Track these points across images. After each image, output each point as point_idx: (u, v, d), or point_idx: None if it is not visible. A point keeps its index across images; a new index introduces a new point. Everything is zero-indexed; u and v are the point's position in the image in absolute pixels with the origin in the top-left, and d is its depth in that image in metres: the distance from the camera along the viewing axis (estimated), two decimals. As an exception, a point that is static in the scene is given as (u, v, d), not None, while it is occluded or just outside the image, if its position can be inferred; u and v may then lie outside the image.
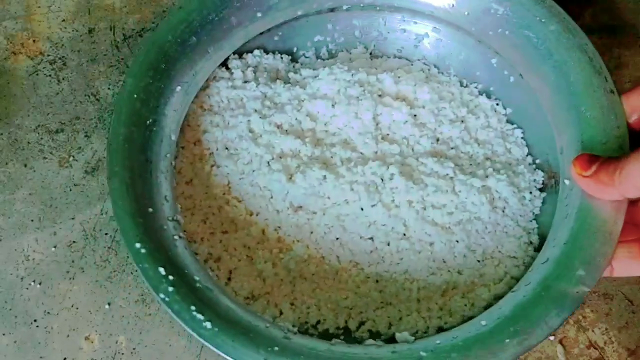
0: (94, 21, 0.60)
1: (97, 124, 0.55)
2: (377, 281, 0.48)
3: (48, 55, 0.58)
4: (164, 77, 0.47)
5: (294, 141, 0.50)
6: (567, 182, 0.44)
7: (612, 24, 0.61)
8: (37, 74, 0.57)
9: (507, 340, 0.39)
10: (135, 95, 0.45)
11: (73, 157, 0.54)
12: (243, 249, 0.48)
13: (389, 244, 0.48)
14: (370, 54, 0.58)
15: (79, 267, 0.50)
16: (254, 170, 0.50)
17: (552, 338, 0.48)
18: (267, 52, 0.56)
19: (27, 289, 0.49)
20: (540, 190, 0.52)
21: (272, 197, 0.49)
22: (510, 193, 0.50)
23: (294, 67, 0.57)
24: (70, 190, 0.52)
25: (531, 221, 0.50)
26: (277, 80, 0.54)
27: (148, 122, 0.45)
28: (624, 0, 0.62)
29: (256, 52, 0.56)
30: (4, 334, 0.47)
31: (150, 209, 0.42)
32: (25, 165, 0.53)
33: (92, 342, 0.47)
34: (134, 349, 0.47)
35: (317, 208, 0.48)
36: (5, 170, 0.53)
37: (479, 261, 0.48)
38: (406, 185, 0.48)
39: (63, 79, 0.57)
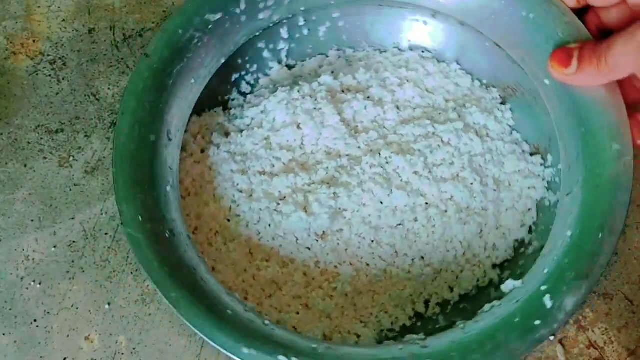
0: (94, 21, 0.60)
1: (97, 124, 0.55)
2: (422, 257, 0.49)
3: (48, 55, 0.58)
4: (150, 186, 0.44)
5: (287, 178, 0.49)
6: (547, 82, 0.46)
7: (612, 24, 0.61)
8: (37, 74, 0.57)
9: (600, 235, 0.40)
10: (140, 218, 0.43)
11: (73, 157, 0.54)
12: (296, 301, 0.48)
13: (416, 220, 0.49)
14: (287, 66, 0.57)
15: (79, 267, 0.50)
16: (269, 225, 0.49)
17: (551, 338, 0.48)
18: (199, 114, 0.54)
19: (27, 289, 0.49)
20: (503, 103, 0.55)
21: (298, 240, 0.49)
22: (485, 118, 0.53)
23: (230, 114, 0.55)
24: (70, 190, 0.52)
25: (512, 133, 0.53)
26: (232, 134, 0.53)
27: (167, 235, 0.43)
28: (624, 0, 0.62)
29: (193, 118, 0.53)
30: (4, 334, 0.47)
31: (229, 311, 0.41)
32: (25, 165, 0.53)
33: (92, 342, 0.47)
34: (134, 349, 0.47)
35: (341, 225, 0.49)
36: (5, 170, 0.53)
37: (495, 190, 0.50)
38: (405, 160, 0.50)
39: (63, 79, 0.57)
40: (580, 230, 0.41)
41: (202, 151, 0.52)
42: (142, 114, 0.46)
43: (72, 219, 0.51)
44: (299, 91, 0.53)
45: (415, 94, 0.54)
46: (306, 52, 0.57)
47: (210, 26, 0.49)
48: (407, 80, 0.55)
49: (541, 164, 0.52)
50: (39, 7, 0.60)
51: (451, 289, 0.49)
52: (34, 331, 0.47)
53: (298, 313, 0.47)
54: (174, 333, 0.48)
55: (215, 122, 0.54)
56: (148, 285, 0.49)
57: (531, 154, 0.52)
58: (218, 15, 0.49)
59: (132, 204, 0.42)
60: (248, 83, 0.56)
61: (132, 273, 0.50)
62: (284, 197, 0.49)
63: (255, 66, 0.56)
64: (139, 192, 0.43)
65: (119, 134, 0.44)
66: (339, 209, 0.49)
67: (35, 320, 0.48)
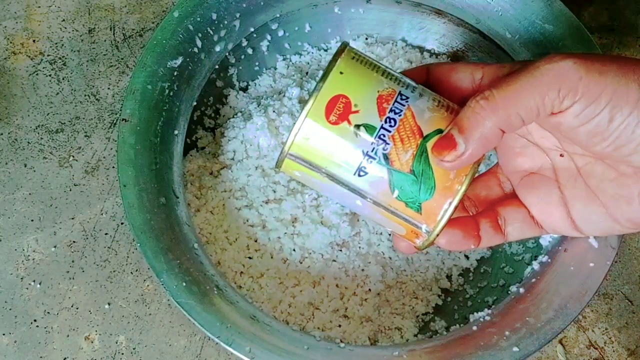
0: (94, 21, 0.60)
1: (97, 124, 0.55)
2: None
3: (48, 55, 0.58)
4: (180, 250, 0.43)
5: (294, 199, 0.49)
6: (508, 35, 0.50)
7: (612, 24, 0.61)
8: (37, 74, 0.57)
9: None
10: (184, 284, 0.41)
11: (73, 157, 0.54)
12: (335, 314, 0.48)
13: None
14: (241, 89, 0.56)
15: (79, 267, 0.50)
16: (294, 250, 0.48)
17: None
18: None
19: (27, 289, 0.49)
20: None
21: (323, 255, 0.49)
22: None
23: (205, 153, 0.53)
24: (70, 190, 0.52)
25: None
26: (222, 172, 0.51)
27: (215, 291, 0.42)
28: (624, 0, 0.62)
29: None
30: (4, 334, 0.47)
31: (305, 346, 0.41)
32: (25, 165, 0.53)
33: (92, 342, 0.47)
34: (134, 349, 0.47)
35: (358, 228, 0.49)
36: (5, 170, 0.53)
37: None
38: None
39: (63, 79, 0.57)
40: None
41: (197, 197, 0.51)
42: (145, 181, 0.44)
43: (72, 219, 0.51)
44: (274, 111, 0.51)
45: None
46: (254, 70, 0.56)
47: (175, 73, 0.48)
48: None
49: None
50: (39, 7, 0.60)
51: (467, 257, 0.51)
52: (34, 331, 0.47)
53: (340, 326, 0.47)
54: (174, 333, 0.48)
55: (197, 166, 0.52)
56: (148, 285, 0.49)
57: None
58: (179, 60, 0.48)
59: (171, 273, 0.41)
60: (210, 117, 0.55)
61: (132, 273, 0.50)
62: (296, 219, 0.49)
63: (211, 98, 0.54)
64: (172, 259, 0.42)
65: (129, 207, 0.43)
66: (354, 213, 0.49)
67: (35, 320, 0.48)
